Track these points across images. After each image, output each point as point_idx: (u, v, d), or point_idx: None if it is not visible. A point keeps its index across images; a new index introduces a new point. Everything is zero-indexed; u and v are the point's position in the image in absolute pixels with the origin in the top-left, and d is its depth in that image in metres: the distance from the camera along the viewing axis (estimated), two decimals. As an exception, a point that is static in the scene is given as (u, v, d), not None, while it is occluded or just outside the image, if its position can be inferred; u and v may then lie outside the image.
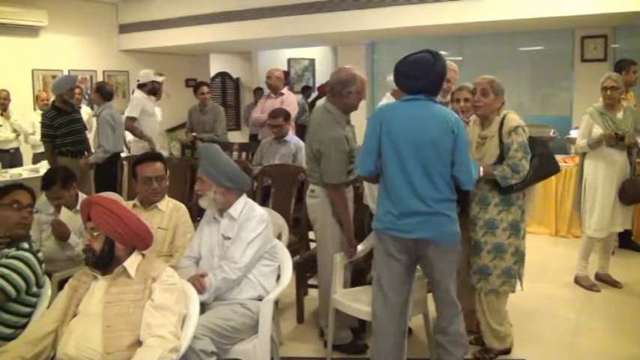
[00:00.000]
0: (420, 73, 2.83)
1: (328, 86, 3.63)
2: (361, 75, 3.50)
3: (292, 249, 3.30)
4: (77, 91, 7.56)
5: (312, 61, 12.50)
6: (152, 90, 6.59)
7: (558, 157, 6.27)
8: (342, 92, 3.43)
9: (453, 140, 2.80)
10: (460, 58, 8.81)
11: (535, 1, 6.32)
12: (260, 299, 2.92)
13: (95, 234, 2.39)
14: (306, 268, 4.17)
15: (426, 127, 2.81)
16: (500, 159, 3.27)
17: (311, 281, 4.38)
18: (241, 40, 8.81)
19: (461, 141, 2.83)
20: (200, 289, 2.72)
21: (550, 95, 8.77)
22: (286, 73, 10.56)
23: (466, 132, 2.99)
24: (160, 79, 6.58)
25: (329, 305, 3.49)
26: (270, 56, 11.51)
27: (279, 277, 3.12)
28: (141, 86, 6.62)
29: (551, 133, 6.64)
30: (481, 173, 3.18)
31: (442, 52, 2.95)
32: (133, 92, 7.63)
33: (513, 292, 3.43)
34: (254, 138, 7.76)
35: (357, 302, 3.32)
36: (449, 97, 3.97)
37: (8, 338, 2.50)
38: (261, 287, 2.96)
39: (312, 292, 4.44)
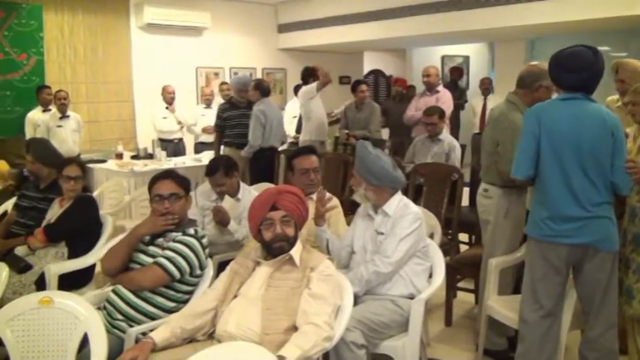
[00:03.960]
0: (579, 67, 2.68)
1: (517, 78, 3.49)
2: None
3: (442, 250, 3.24)
4: (225, 87, 8.05)
5: (466, 59, 12.19)
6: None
7: None
8: (533, 85, 3.31)
9: (612, 143, 2.64)
10: (625, 54, 8.10)
11: None
12: (411, 297, 2.88)
13: (287, 221, 2.53)
14: (456, 271, 4.07)
15: (586, 127, 2.65)
16: None
17: (460, 284, 4.28)
18: (395, 38, 8.79)
19: (619, 144, 2.66)
20: None
21: None
22: (459, 69, 10.35)
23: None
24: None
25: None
26: (423, 53, 11.40)
27: (430, 276, 3.07)
28: None
29: None
30: None
31: (605, 48, 2.75)
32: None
33: None
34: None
35: (510, 310, 3.18)
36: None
37: (170, 311, 2.68)
38: (412, 285, 2.93)
39: (461, 295, 4.34)
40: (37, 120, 6.90)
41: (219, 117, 6.36)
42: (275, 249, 2.51)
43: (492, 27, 7.42)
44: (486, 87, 9.01)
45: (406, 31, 8.36)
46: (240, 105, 6.28)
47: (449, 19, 7.71)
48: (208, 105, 8.03)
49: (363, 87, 6.74)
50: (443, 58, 11.80)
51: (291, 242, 2.53)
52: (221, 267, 2.93)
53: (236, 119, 6.25)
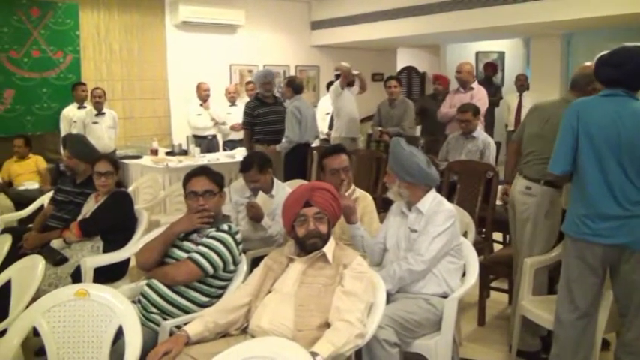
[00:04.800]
0: (618, 61, 2.64)
1: (571, 79, 3.45)
2: None
3: (476, 249, 3.20)
4: (250, 86, 8.02)
5: (501, 55, 12.00)
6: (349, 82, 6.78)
7: None
8: (587, 88, 3.25)
9: None
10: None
11: None
12: (444, 296, 2.86)
13: (320, 217, 2.54)
14: (489, 270, 4.02)
15: (625, 124, 2.60)
16: None
17: (493, 284, 4.23)
18: (429, 34, 8.69)
19: None
20: None
21: None
22: (493, 65, 10.14)
23: None
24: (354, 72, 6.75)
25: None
26: (457, 50, 11.25)
27: (463, 275, 3.03)
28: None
29: None
30: None
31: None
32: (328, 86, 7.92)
33: None
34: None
35: (544, 311, 3.13)
36: None
37: (204, 305, 2.71)
38: (446, 284, 2.90)
39: (494, 295, 4.29)
40: (73, 116, 7.02)
41: (248, 115, 6.31)
42: (308, 245, 2.52)
43: (527, 22, 7.27)
44: (522, 83, 8.87)
45: (440, 27, 8.26)
46: (267, 101, 6.28)
47: (483, 15, 7.59)
48: (233, 103, 8.06)
49: (392, 82, 6.67)
50: (477, 54, 11.63)
51: (324, 239, 2.53)
52: (254, 263, 2.95)
53: (266, 116, 6.24)
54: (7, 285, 2.85)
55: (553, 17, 6.95)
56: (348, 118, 6.69)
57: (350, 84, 6.78)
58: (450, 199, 4.55)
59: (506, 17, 7.38)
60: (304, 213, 2.54)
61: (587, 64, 3.37)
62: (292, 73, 9.92)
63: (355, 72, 6.73)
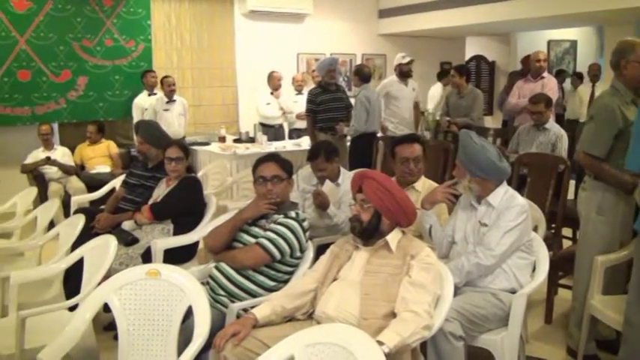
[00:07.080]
0: None
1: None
2: None
3: (545, 244, 3.10)
4: (315, 73, 7.99)
5: (573, 43, 11.58)
6: (401, 73, 6.72)
7: None
8: (620, 64, 3.10)
9: None
10: None
11: None
12: (512, 292, 2.80)
13: (365, 206, 2.52)
14: (558, 267, 3.90)
15: None
16: None
17: (562, 281, 4.11)
18: (499, 22, 8.47)
19: None
20: None
21: None
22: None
23: None
24: (404, 60, 6.65)
25: (583, 310, 3.23)
26: (528, 38, 10.94)
27: (532, 271, 2.96)
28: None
29: None
30: None
31: None
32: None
33: None
34: (507, 124, 7.48)
35: (615, 311, 3.00)
36: None
37: (271, 289, 2.76)
38: (515, 280, 2.83)
39: (562, 293, 4.16)
40: (144, 104, 7.20)
41: (311, 102, 6.32)
42: (351, 228, 2.57)
43: (601, 9, 6.99)
44: (595, 73, 8.52)
45: (510, 15, 8.04)
46: (330, 88, 6.28)
47: (555, 1, 7.34)
48: (300, 91, 8.09)
49: (452, 72, 6.56)
50: (549, 42, 11.27)
51: (365, 227, 2.50)
52: (320, 251, 2.96)
53: (328, 103, 6.24)
54: (80, 262, 2.98)
55: (627, 4, 6.64)
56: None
57: (404, 75, 6.69)
58: (519, 192, 4.44)
59: (579, 4, 7.12)
60: (356, 197, 2.59)
61: (621, 40, 3.19)
62: (359, 61, 9.88)
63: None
